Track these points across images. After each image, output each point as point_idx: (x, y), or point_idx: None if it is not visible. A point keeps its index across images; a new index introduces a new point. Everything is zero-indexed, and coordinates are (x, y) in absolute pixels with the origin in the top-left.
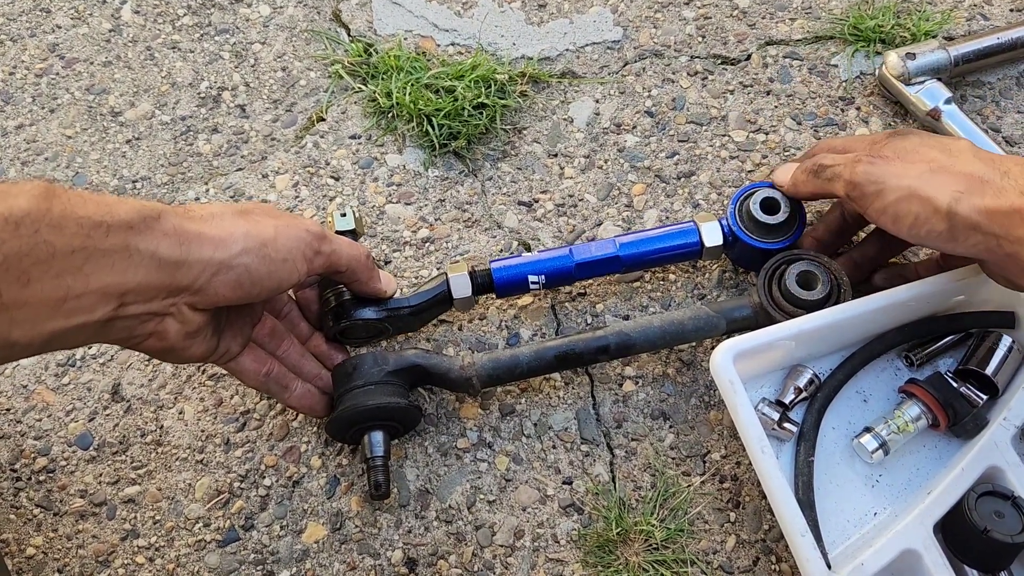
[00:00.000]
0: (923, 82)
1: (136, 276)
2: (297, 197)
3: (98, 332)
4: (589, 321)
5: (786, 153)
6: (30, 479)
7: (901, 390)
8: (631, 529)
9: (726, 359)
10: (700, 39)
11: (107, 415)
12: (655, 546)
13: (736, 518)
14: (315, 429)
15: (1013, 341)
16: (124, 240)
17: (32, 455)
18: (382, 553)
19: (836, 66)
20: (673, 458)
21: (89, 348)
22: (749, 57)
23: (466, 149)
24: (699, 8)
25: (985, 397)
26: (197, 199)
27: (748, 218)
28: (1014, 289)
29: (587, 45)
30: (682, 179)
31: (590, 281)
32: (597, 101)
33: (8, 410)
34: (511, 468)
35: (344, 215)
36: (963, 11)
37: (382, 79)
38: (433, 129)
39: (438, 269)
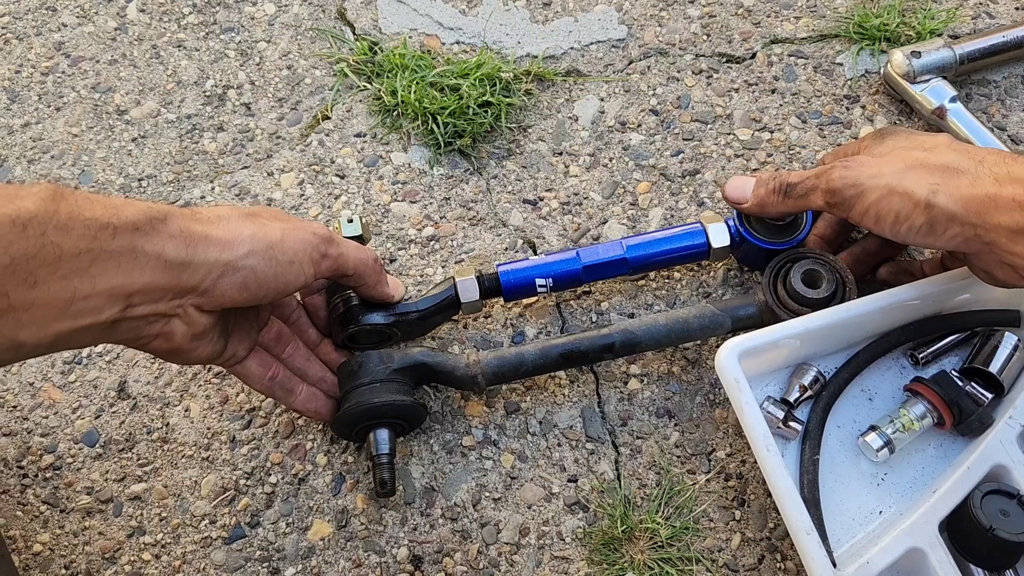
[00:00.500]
0: (928, 80)
1: (142, 277)
2: (302, 195)
3: (105, 333)
4: (594, 319)
5: (791, 151)
6: (37, 476)
7: (906, 389)
8: (636, 527)
9: (731, 357)
10: (705, 37)
11: (113, 412)
12: (660, 544)
13: (741, 516)
14: (320, 427)
15: (1018, 339)
16: (130, 242)
17: (39, 452)
18: (388, 550)
19: (841, 64)
20: (678, 456)
21: (95, 346)
22: (754, 55)
23: (471, 147)
24: (704, 6)
25: (990, 395)
26: (203, 197)
27: (754, 218)
28: (995, 285)
29: (592, 43)
30: (687, 177)
31: None
32: (602, 99)
33: (15, 407)
34: (516, 466)
35: (351, 221)
36: (968, 9)
37: (387, 77)
38: (438, 127)
39: (443, 267)
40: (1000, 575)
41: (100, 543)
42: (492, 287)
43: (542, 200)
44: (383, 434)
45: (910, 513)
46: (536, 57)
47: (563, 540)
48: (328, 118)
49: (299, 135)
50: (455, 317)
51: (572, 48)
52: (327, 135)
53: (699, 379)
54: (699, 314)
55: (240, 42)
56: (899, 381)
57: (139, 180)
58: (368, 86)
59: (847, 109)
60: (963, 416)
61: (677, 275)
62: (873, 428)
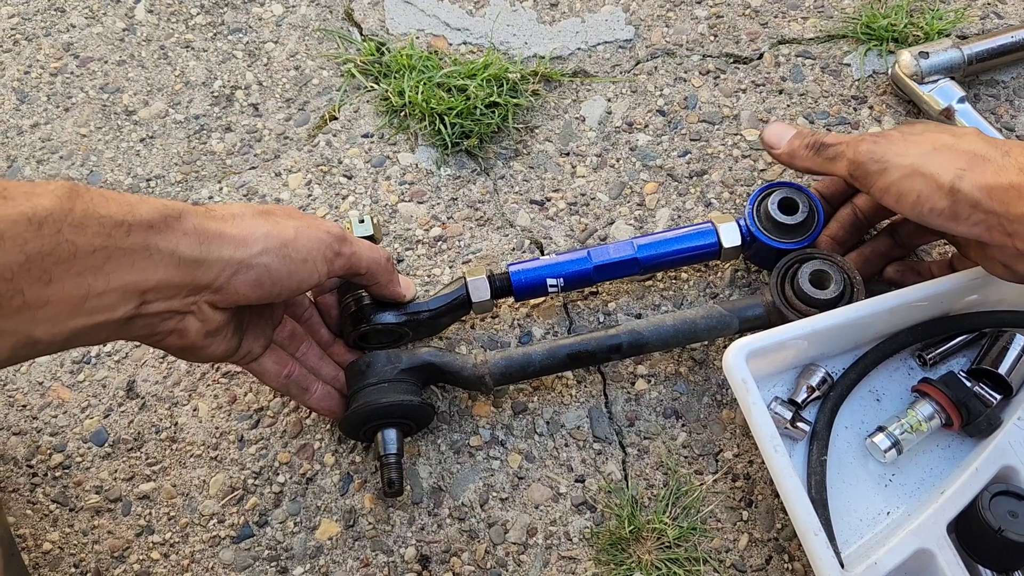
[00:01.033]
0: (936, 81)
1: (156, 274)
2: (310, 196)
3: (119, 329)
4: (602, 320)
5: None
6: (46, 475)
7: (914, 389)
8: (643, 527)
9: (739, 358)
10: (712, 38)
11: (122, 412)
12: (667, 544)
13: (749, 517)
14: (328, 426)
15: None
16: (145, 239)
17: (48, 451)
18: (395, 550)
19: (849, 65)
20: (685, 456)
21: (104, 345)
22: (761, 56)
23: (478, 148)
24: (711, 7)
25: (999, 396)
26: (211, 197)
27: (766, 218)
28: (1012, 280)
29: (599, 44)
30: (694, 178)
31: None
32: (609, 100)
33: (24, 407)
34: (524, 466)
35: (362, 221)
36: (976, 9)
37: (394, 78)
38: (445, 128)
39: (450, 268)
40: None
41: (109, 542)
42: (503, 287)
43: (549, 200)
44: (391, 434)
45: (918, 514)
46: (543, 58)
47: (570, 540)
48: (335, 119)
49: (307, 135)
50: (464, 317)
51: (579, 49)
52: (334, 136)
53: (706, 380)
54: (706, 315)
55: (248, 43)
56: (907, 382)
57: (147, 180)
58: (375, 87)
59: (855, 110)
60: (971, 417)
61: (684, 275)
62: (881, 429)
